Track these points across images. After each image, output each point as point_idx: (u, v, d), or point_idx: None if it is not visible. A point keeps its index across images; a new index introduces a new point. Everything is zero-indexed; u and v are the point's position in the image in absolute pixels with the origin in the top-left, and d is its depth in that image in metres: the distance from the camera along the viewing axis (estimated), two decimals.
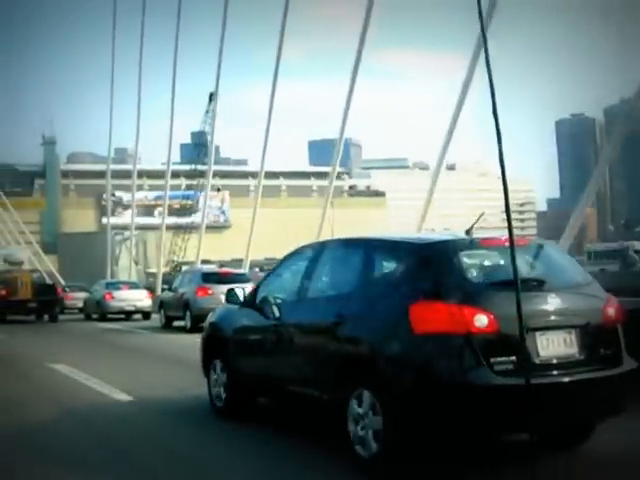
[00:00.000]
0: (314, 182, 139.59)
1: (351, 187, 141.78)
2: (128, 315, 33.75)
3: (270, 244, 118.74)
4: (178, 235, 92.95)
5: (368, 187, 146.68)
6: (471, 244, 6.78)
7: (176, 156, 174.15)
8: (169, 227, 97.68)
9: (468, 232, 6.87)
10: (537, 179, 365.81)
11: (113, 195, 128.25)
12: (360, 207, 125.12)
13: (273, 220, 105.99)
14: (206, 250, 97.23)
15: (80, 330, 27.88)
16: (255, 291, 8.68)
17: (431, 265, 6.50)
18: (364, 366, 6.57)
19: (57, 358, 15.30)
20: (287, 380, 7.86)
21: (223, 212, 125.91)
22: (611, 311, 6.66)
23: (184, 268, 78.41)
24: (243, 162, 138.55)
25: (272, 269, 9.12)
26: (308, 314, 7.64)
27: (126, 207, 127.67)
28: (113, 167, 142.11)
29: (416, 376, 6.19)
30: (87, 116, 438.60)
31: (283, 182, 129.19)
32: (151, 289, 38.79)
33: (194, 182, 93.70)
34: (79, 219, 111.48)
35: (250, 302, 8.59)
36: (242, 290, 8.96)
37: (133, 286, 36.83)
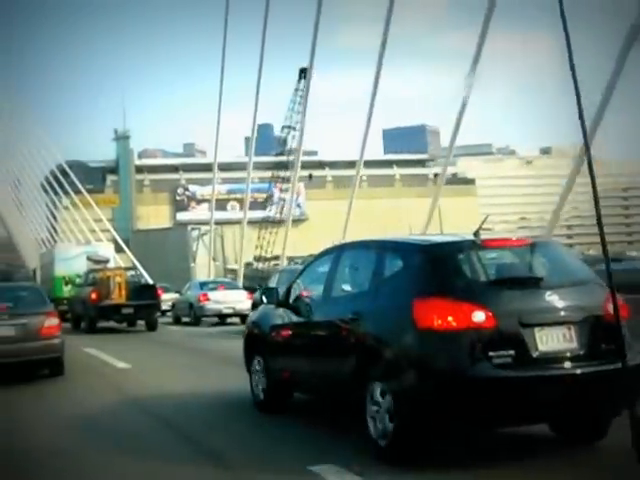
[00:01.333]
0: (397, 171, 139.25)
1: (436, 175, 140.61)
2: (221, 318, 31.46)
3: (352, 237, 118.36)
4: (266, 228, 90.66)
5: (455, 174, 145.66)
6: (474, 245, 7.46)
7: (240, 149, 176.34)
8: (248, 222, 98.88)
9: (476, 233, 7.56)
10: None
11: (187, 189, 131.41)
12: (447, 196, 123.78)
13: (353, 212, 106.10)
14: (281, 245, 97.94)
15: (201, 343, 22.63)
16: (288, 291, 9.60)
17: (433, 265, 7.29)
18: (376, 360, 7.29)
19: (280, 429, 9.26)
20: (314, 375, 8.84)
21: (299, 205, 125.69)
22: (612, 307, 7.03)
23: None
24: (313, 153, 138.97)
25: (302, 269, 10.09)
26: (331, 312, 8.50)
27: (200, 201, 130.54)
28: (187, 161, 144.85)
29: (420, 370, 6.87)
30: (155, 113, 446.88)
31: (364, 172, 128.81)
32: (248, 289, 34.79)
33: (280, 173, 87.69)
34: (153, 215, 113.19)
35: (284, 301, 9.61)
36: (277, 290, 10.04)
37: (230, 286, 34.34)
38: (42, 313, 14.71)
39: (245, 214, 52.84)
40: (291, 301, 9.45)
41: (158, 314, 30.13)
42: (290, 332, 9.45)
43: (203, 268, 61.12)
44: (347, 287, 8.73)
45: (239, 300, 30.70)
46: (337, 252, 9.08)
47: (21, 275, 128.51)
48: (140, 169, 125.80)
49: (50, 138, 71.75)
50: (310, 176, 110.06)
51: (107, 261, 39.01)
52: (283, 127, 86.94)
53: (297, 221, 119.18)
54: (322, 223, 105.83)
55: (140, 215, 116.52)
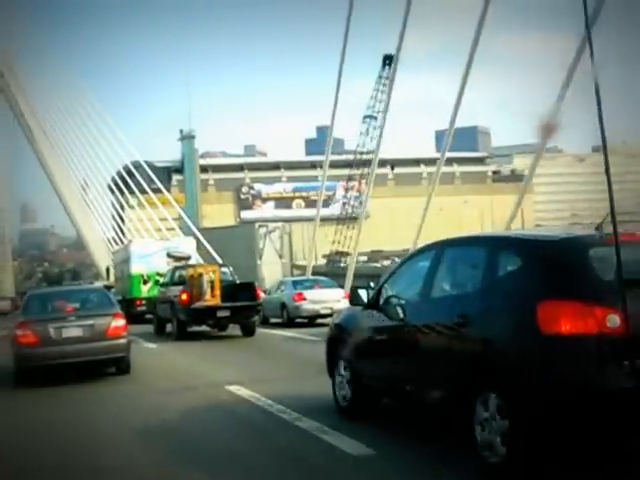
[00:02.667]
0: (456, 169, 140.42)
1: (495, 172, 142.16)
2: (311, 320, 28.45)
3: (411, 235, 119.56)
4: (343, 224, 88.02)
5: (513, 171, 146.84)
6: (601, 240, 6.50)
7: (301, 150, 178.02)
8: (310, 219, 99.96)
9: (598, 227, 6.73)
10: None
11: (252, 188, 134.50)
12: (504, 193, 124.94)
13: (413, 209, 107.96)
14: (338, 242, 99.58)
15: None
16: (378, 292, 9.02)
17: (559, 263, 6.55)
18: (490, 368, 6.67)
19: None
20: (410, 382, 8.15)
21: (361, 202, 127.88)
22: None
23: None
24: (371, 152, 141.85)
25: (394, 269, 9.39)
26: (431, 314, 7.83)
27: (265, 200, 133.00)
28: (251, 160, 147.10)
29: (544, 378, 6.18)
30: (216, 116, 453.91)
31: (424, 169, 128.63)
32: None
33: (357, 171, 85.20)
34: (218, 214, 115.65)
35: (373, 303, 9.02)
36: (365, 291, 9.29)
37: (326, 284, 30.74)
38: (108, 314, 15.21)
39: (365, 206, 50.86)
40: (381, 303, 8.85)
41: (257, 317, 25.74)
42: (382, 336, 8.87)
43: (270, 265, 60.74)
44: (450, 287, 8.03)
45: (336, 299, 27.37)
46: (437, 249, 8.33)
47: (90, 273, 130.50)
48: (205, 168, 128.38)
49: (119, 139, 73.70)
50: (392, 167, 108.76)
51: (188, 258, 35.20)
52: (364, 117, 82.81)
53: (358, 218, 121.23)
54: (384, 220, 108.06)
55: (205, 214, 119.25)
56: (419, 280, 8.24)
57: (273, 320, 29.38)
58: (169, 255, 35.22)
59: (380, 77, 76.28)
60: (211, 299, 24.36)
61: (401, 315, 8.25)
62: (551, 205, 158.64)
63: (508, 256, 7.26)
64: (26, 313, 15.44)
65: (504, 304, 6.77)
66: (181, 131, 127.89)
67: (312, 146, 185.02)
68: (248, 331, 24.82)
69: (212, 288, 24.58)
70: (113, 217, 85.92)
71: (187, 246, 39.23)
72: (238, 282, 27.54)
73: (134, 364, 15.90)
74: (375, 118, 77.50)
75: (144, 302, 34.52)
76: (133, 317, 31.50)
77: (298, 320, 28.75)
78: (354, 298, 9.45)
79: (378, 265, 64.82)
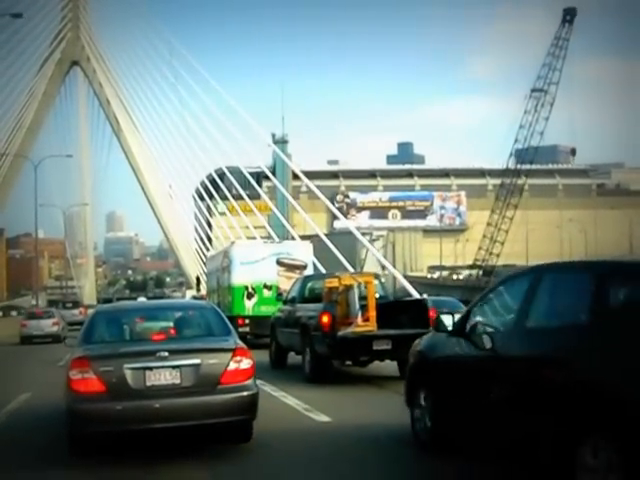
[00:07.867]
0: (559, 181, 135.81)
1: (599, 186, 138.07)
2: None
3: (511, 249, 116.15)
4: (495, 226, 79.77)
5: (618, 185, 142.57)
6: None
7: (382, 164, 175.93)
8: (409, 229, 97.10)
9: None
10: None
11: (347, 197, 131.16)
12: (606, 207, 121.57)
13: (514, 223, 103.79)
14: (437, 255, 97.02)
15: None
16: (465, 318, 8.26)
17: None
18: (601, 410, 5.85)
19: None
20: (499, 420, 7.31)
21: (459, 214, 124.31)
22: None
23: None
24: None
25: (483, 295, 8.59)
26: (528, 346, 7.08)
27: (360, 209, 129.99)
28: (346, 167, 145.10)
29: None
30: (299, 130, 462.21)
31: (527, 181, 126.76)
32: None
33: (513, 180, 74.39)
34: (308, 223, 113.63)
35: (459, 330, 8.24)
36: (451, 317, 8.62)
37: None
38: (225, 349, 9.24)
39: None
40: (467, 330, 8.00)
41: None
42: (467, 367, 8.09)
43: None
44: (553, 317, 7.15)
45: None
46: (535, 274, 7.51)
47: (173, 282, 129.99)
48: (297, 176, 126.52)
49: (209, 144, 71.70)
50: (574, 151, 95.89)
51: (304, 267, 29.07)
52: (532, 91, 68.28)
53: (455, 231, 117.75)
54: (482, 233, 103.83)
55: (296, 223, 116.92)
56: (514, 307, 7.57)
57: None
58: (280, 263, 28.72)
59: (557, 38, 64.44)
60: (364, 324, 16.39)
61: (489, 345, 7.44)
62: None
63: (625, 284, 6.51)
64: (88, 342, 9.50)
65: (626, 337, 5.90)
66: (273, 135, 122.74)
67: (393, 162, 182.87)
68: None
69: (368, 308, 16.55)
70: (199, 224, 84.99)
71: (302, 252, 30.87)
72: (400, 299, 19.56)
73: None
74: (545, 92, 65.03)
75: (247, 322, 27.89)
76: None
77: None
78: (438, 324, 8.71)
79: None
